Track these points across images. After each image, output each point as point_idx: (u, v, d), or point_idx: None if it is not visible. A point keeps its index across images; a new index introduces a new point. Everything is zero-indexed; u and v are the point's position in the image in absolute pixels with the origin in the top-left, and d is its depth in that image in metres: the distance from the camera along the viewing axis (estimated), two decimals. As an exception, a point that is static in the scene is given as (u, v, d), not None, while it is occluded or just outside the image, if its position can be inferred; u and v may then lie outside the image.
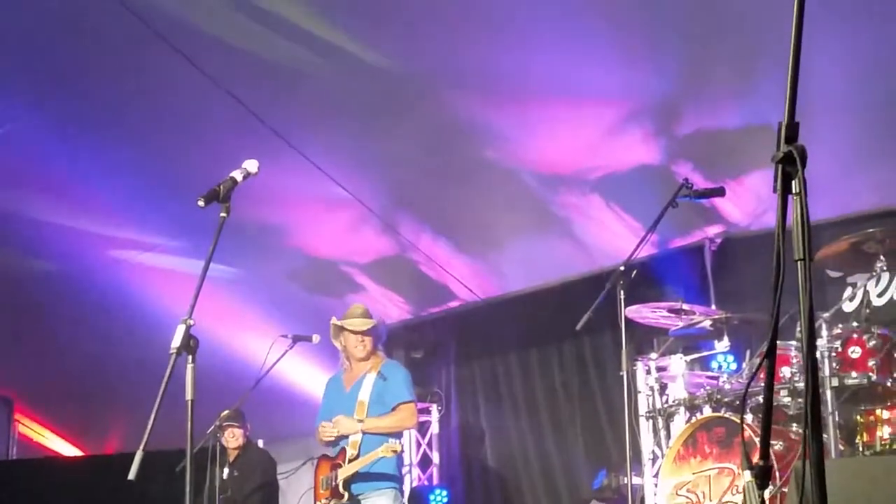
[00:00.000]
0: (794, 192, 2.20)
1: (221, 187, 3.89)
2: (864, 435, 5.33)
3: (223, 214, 3.89)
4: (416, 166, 7.49)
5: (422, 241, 8.32)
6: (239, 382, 7.01)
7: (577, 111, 6.70)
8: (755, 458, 2.40)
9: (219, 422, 6.92)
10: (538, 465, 8.64)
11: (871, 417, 5.33)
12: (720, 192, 6.37)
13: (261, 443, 8.54)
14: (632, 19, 5.99)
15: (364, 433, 6.20)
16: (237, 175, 3.98)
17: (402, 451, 6.72)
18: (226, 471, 7.68)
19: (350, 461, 6.17)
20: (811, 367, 2.25)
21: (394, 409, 6.32)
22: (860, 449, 5.33)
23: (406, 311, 9.30)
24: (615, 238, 7.49)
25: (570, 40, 6.13)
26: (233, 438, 7.83)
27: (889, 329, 5.55)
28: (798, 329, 5.43)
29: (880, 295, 6.42)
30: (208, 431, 6.66)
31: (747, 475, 2.37)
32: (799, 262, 2.19)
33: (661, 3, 5.89)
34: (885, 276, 6.28)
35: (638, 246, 5.70)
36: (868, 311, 5.72)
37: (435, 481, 9.15)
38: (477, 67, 6.52)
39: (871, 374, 5.33)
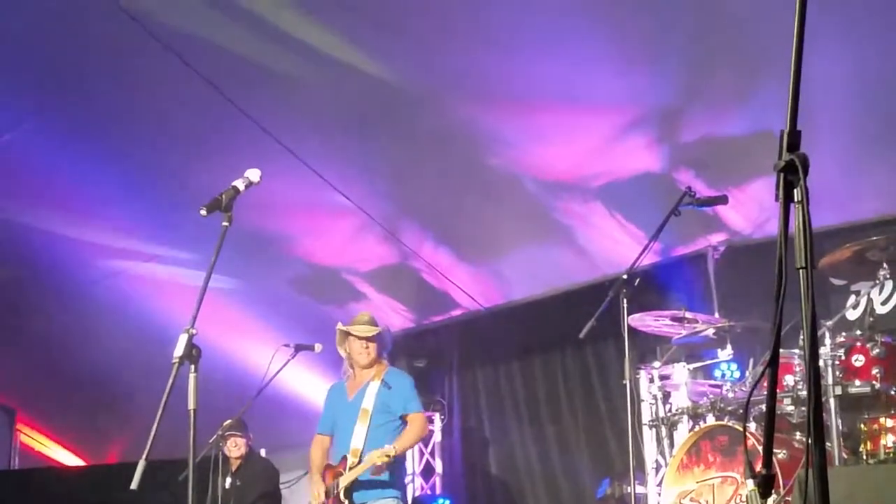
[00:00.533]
0: (796, 200, 2.20)
1: (224, 196, 3.89)
2: (868, 443, 5.31)
3: (225, 223, 3.89)
4: (418, 174, 7.48)
5: (424, 250, 8.31)
6: (241, 392, 7.00)
7: (580, 118, 6.69)
8: (758, 467, 2.39)
9: (221, 431, 6.92)
10: (541, 474, 8.62)
11: (875, 426, 5.31)
12: (723, 199, 6.38)
13: (263, 452, 8.53)
14: (634, 27, 5.99)
15: (393, 452, 6.10)
16: (239, 184, 3.98)
17: (405, 460, 6.71)
18: (228, 480, 7.67)
19: (351, 469, 6.16)
20: (814, 376, 2.24)
21: (402, 419, 6.32)
22: (864, 457, 5.30)
23: (408, 320, 9.29)
24: (618, 246, 7.48)
25: (572, 47, 6.13)
26: (235, 448, 7.81)
27: (893, 337, 5.52)
28: (801, 337, 5.41)
29: (884, 303, 6.40)
30: (210, 441, 6.65)
31: (750, 484, 2.36)
32: (801, 271, 2.18)
33: (663, 11, 5.89)
34: (889, 284, 6.25)
35: (641, 254, 5.70)
36: (872, 319, 5.70)
37: (438, 490, 9.13)
38: (479, 74, 6.52)
39: (874, 382, 5.30)
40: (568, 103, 6.59)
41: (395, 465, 6.20)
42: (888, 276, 5.57)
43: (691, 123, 6.63)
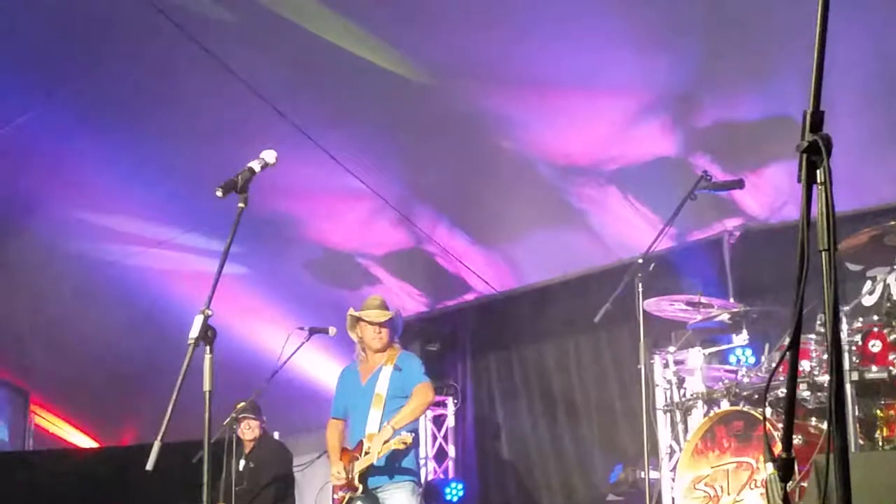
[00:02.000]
0: (818, 181, 2.17)
1: (239, 178, 3.86)
2: (884, 429, 5.28)
3: (241, 205, 3.85)
4: (433, 158, 7.47)
5: (438, 233, 8.30)
6: (255, 374, 7.02)
7: (595, 102, 6.67)
8: (777, 451, 2.37)
9: (235, 413, 6.93)
10: (554, 459, 8.62)
11: (892, 412, 5.28)
12: (739, 184, 6.35)
13: (276, 435, 8.55)
14: (650, 10, 5.95)
15: (395, 431, 6.08)
16: (255, 165, 3.94)
17: (419, 444, 6.71)
18: (241, 462, 7.70)
19: (366, 454, 6.15)
20: (836, 356, 2.22)
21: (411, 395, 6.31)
22: (880, 443, 5.28)
23: (422, 304, 9.29)
24: (632, 230, 7.45)
25: (587, 31, 6.10)
26: (249, 430, 7.84)
27: (910, 323, 5.49)
28: (818, 322, 5.40)
29: (901, 288, 6.36)
30: (224, 423, 6.67)
31: (770, 468, 2.35)
32: (823, 253, 2.16)
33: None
34: (906, 270, 6.21)
35: (656, 238, 5.68)
36: (889, 304, 5.64)
37: (450, 474, 9.14)
38: (494, 58, 6.50)
39: (891, 367, 5.26)
40: (583, 87, 6.57)
41: (409, 449, 6.19)
42: (905, 262, 5.53)
43: (707, 108, 6.60)
